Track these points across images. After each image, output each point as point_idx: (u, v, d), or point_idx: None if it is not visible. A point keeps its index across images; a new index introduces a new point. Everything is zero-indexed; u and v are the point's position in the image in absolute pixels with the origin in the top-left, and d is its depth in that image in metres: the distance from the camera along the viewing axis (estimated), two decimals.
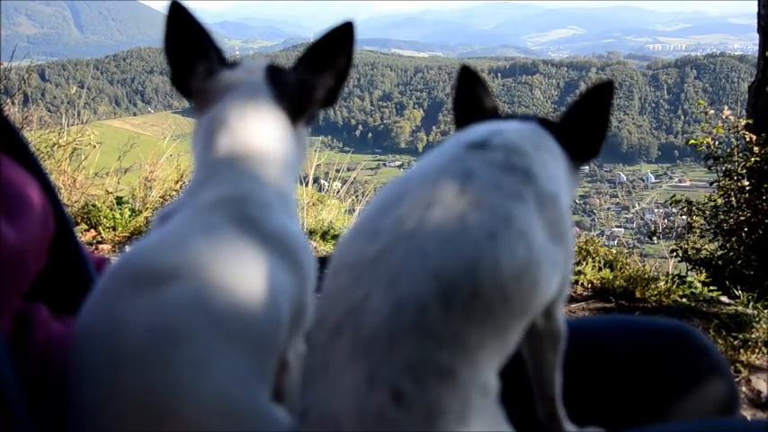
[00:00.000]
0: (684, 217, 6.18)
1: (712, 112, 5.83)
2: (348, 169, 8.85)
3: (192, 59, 1.19)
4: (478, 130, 1.08)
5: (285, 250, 1.04)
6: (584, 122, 1.17)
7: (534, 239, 0.92)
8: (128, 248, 4.81)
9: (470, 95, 1.25)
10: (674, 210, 6.49)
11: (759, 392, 3.07)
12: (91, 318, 0.93)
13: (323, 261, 1.02)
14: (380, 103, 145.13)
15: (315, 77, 1.21)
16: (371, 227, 0.94)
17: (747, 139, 5.54)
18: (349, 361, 0.84)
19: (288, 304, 1.01)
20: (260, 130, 1.14)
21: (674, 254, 5.83)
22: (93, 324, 0.92)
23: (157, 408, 0.84)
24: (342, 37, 1.20)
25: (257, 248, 1.00)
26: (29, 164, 1.04)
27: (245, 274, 0.96)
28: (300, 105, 1.21)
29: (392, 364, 0.82)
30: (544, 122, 1.17)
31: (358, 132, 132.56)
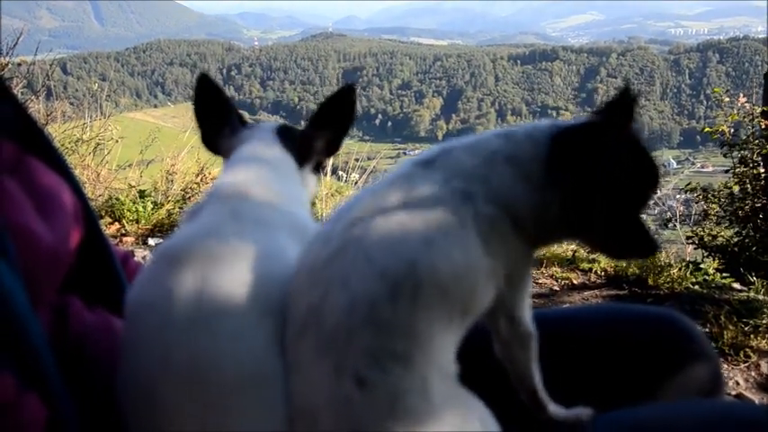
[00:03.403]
0: (702, 203, 6.19)
1: (727, 99, 5.84)
2: (368, 158, 8.88)
3: (220, 123, 1.44)
4: (432, 149, 1.15)
5: (297, 232, 1.19)
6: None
7: (470, 250, 0.99)
8: (151, 241, 4.93)
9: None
10: (693, 196, 6.48)
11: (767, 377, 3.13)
12: (142, 294, 1.04)
13: None
14: (400, 91, 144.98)
15: (316, 132, 1.45)
16: (326, 233, 1.03)
17: (763, 127, 5.56)
18: (316, 355, 0.93)
19: None
20: (268, 166, 1.35)
21: (690, 240, 5.85)
22: (144, 299, 1.03)
23: (203, 370, 0.95)
24: (342, 98, 1.42)
25: (277, 232, 1.16)
26: (59, 167, 1.14)
27: (271, 256, 1.08)
28: (304, 153, 1.44)
29: (353, 354, 0.91)
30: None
31: (377, 121, 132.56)
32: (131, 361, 1.00)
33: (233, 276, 1.02)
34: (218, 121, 1.44)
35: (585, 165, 1.05)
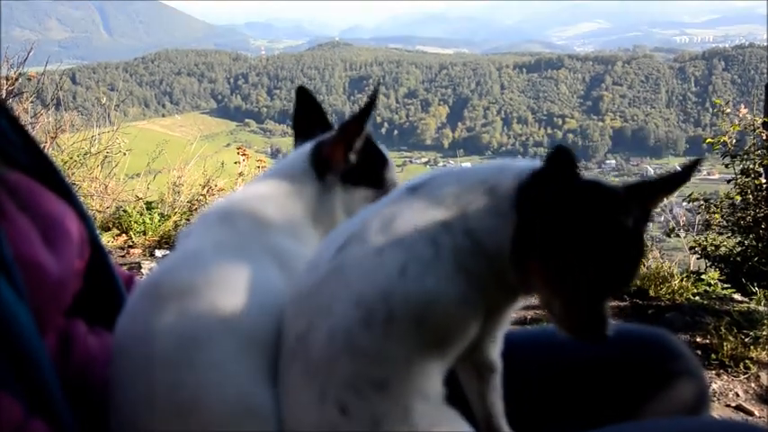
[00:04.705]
0: (704, 213, 6.18)
1: (728, 110, 5.86)
2: None
3: (314, 131, 1.42)
4: (425, 175, 1.14)
5: (282, 263, 1.18)
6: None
7: (445, 281, 0.99)
8: (158, 252, 4.99)
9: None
10: (695, 206, 6.46)
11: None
12: (126, 330, 1.08)
13: None
14: (406, 100, 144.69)
15: (336, 136, 1.35)
16: (317, 259, 1.06)
17: (764, 137, 5.59)
18: (303, 382, 0.98)
19: None
20: (279, 182, 1.33)
21: (693, 250, 5.87)
22: (128, 335, 1.07)
23: (186, 403, 0.97)
24: (369, 98, 1.35)
25: (259, 261, 1.16)
26: (65, 194, 1.18)
27: (250, 286, 1.10)
28: (318, 162, 1.35)
29: (336, 382, 0.95)
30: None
31: (384, 130, 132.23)
32: (118, 396, 1.04)
33: (212, 308, 1.04)
34: (314, 129, 1.43)
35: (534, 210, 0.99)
